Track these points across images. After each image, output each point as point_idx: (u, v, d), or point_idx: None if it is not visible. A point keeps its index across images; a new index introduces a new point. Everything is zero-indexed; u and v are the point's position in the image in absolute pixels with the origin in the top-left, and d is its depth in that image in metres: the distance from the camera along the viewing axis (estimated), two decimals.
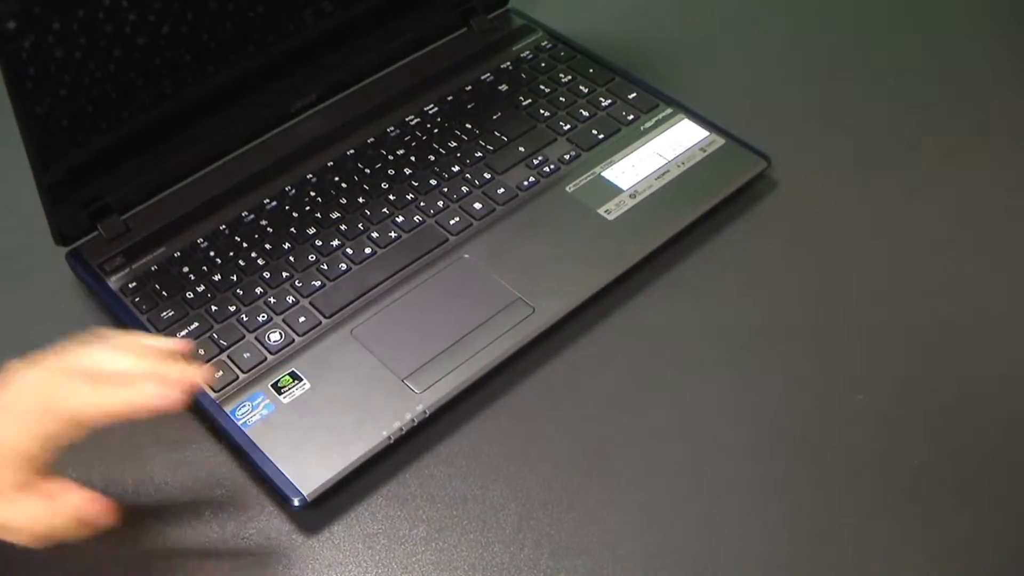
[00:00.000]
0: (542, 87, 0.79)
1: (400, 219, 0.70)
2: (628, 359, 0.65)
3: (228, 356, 0.63)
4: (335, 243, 0.69)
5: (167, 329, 0.64)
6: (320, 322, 0.65)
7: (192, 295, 0.66)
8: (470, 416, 0.62)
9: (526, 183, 0.72)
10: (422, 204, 0.71)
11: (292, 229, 0.69)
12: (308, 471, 0.58)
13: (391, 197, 0.71)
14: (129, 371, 0.52)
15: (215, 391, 0.61)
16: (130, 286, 0.66)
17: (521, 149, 0.75)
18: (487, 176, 0.73)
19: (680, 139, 0.75)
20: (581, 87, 0.79)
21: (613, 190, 0.72)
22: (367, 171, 0.73)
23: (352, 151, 0.74)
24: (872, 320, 0.67)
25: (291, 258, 0.68)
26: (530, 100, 0.78)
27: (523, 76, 0.80)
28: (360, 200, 0.71)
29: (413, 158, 0.74)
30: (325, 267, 0.67)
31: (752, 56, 0.85)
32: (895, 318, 0.67)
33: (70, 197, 0.67)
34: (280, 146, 0.75)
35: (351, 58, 0.79)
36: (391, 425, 0.60)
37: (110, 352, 0.53)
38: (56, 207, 0.66)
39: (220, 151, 0.74)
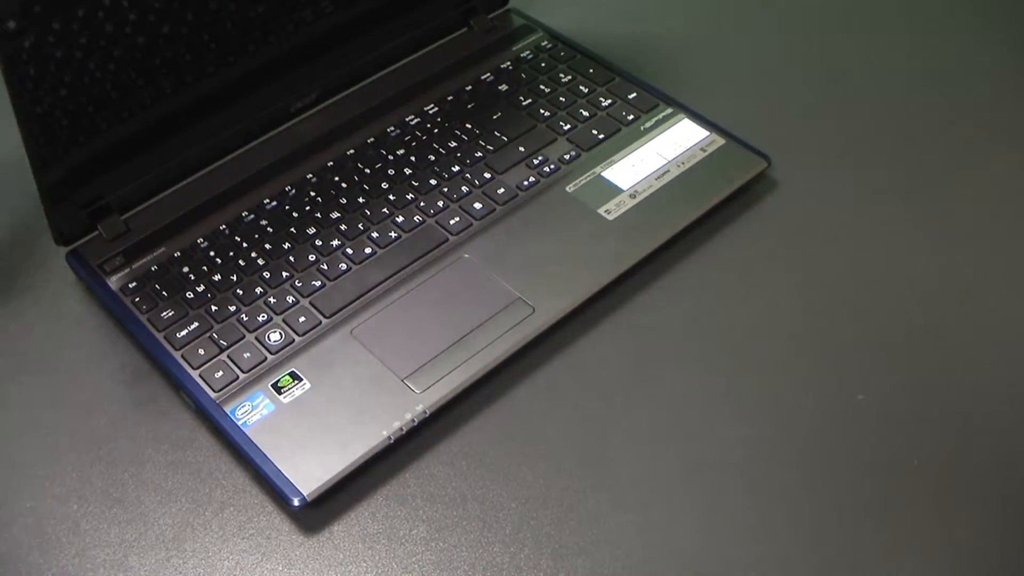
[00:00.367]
0: (542, 87, 0.79)
1: (400, 219, 0.70)
2: (628, 359, 0.65)
3: (228, 356, 0.63)
4: (335, 243, 0.69)
5: (167, 329, 0.64)
6: (320, 322, 0.65)
7: (192, 295, 0.66)
8: (470, 416, 0.62)
9: (526, 183, 0.72)
10: (422, 204, 0.71)
11: (292, 229, 0.69)
12: (308, 471, 0.58)
13: (391, 197, 0.71)
14: None
15: (215, 391, 0.61)
16: (130, 286, 0.66)
17: (521, 149, 0.75)
18: (487, 176, 0.73)
19: (680, 139, 0.75)
20: (581, 87, 0.79)
21: (613, 190, 0.72)
22: (367, 171, 0.73)
23: (352, 151, 0.74)
24: (872, 320, 0.67)
25: (291, 258, 0.68)
26: (530, 100, 0.78)
27: (523, 76, 0.80)
28: (360, 200, 0.71)
29: (413, 158, 0.74)
30: (325, 267, 0.67)
31: (752, 56, 0.85)
32: (895, 318, 0.67)
33: (70, 197, 0.67)
34: (280, 146, 0.75)
35: (351, 58, 0.79)
36: (391, 425, 0.60)
37: None
38: (56, 207, 0.66)
39: (220, 151, 0.74)
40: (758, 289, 0.69)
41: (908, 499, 0.59)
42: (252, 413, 0.60)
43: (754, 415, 0.63)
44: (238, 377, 0.62)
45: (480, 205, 0.71)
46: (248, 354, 0.63)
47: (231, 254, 0.68)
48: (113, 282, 0.67)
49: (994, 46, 0.86)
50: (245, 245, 0.68)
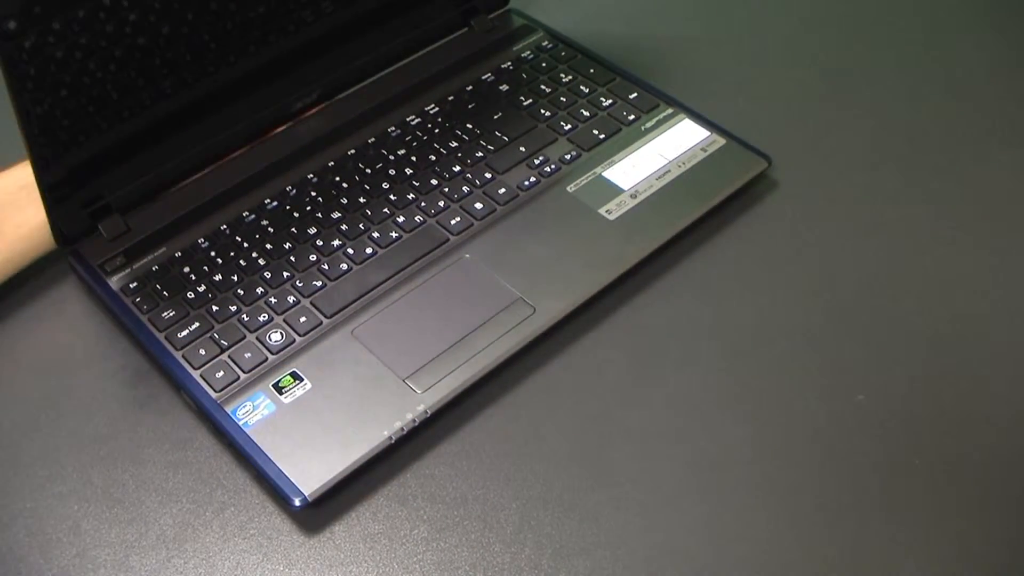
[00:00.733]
0: (543, 87, 0.79)
1: (401, 219, 0.70)
2: (629, 359, 0.65)
3: (229, 356, 0.63)
4: (336, 243, 0.69)
5: (168, 329, 0.64)
6: (321, 322, 0.65)
7: (193, 295, 0.66)
8: (471, 416, 0.62)
9: (527, 183, 0.72)
10: (423, 204, 0.71)
11: (293, 229, 0.69)
12: (309, 471, 0.58)
13: (392, 197, 0.71)
14: None
15: (216, 391, 0.61)
16: (131, 286, 0.66)
17: (522, 149, 0.75)
18: (488, 176, 0.73)
19: (681, 139, 0.75)
20: (582, 87, 0.79)
21: (614, 190, 0.72)
22: (368, 171, 0.73)
23: (353, 151, 0.74)
24: (872, 320, 0.67)
25: (292, 258, 0.68)
26: (531, 100, 0.78)
27: (524, 76, 0.80)
28: (361, 200, 0.71)
29: (414, 158, 0.74)
30: (326, 267, 0.67)
31: (753, 56, 0.85)
32: (895, 318, 0.67)
33: (71, 197, 0.67)
34: (281, 146, 0.75)
35: (352, 58, 0.79)
36: (392, 425, 0.60)
37: None
38: (57, 207, 0.66)
39: (221, 151, 0.74)
40: (758, 289, 0.69)
41: (908, 499, 0.59)
42: (253, 413, 0.60)
43: (754, 415, 0.63)
44: (239, 377, 0.62)
45: (481, 205, 0.71)
46: (249, 354, 0.63)
47: (232, 254, 0.68)
48: (114, 282, 0.67)
49: (996, 46, 0.86)
50: (246, 245, 0.68)
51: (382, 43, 0.80)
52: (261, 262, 0.68)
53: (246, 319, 0.64)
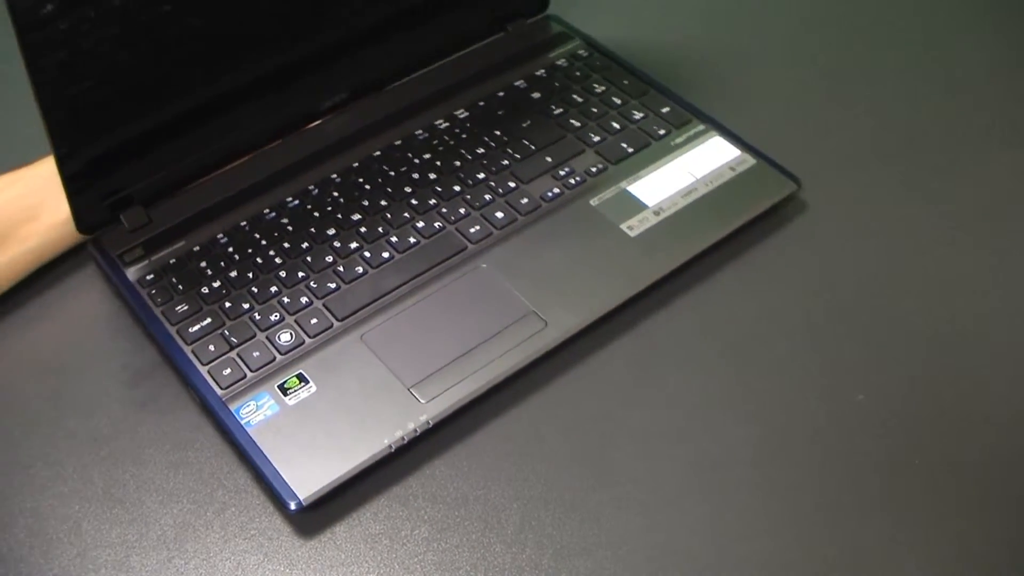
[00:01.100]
0: (575, 96, 0.78)
1: (420, 224, 0.70)
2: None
3: (238, 354, 0.63)
4: (353, 245, 0.68)
5: (180, 324, 0.64)
6: (332, 324, 0.64)
7: (207, 290, 0.66)
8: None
9: (550, 194, 0.72)
10: (444, 210, 0.71)
11: (312, 229, 0.69)
12: (306, 475, 0.58)
13: (413, 201, 0.71)
14: None
15: (222, 388, 0.61)
16: (147, 278, 0.67)
17: (548, 159, 0.74)
18: (511, 185, 0.72)
19: (710, 157, 0.74)
20: (614, 98, 0.78)
21: (637, 206, 0.71)
22: (391, 174, 0.73)
23: (378, 152, 0.74)
24: (872, 320, 0.67)
25: (308, 258, 0.68)
26: (561, 109, 0.77)
27: (556, 84, 0.79)
28: (382, 203, 0.71)
29: (439, 163, 0.74)
30: (341, 269, 0.67)
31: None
32: (895, 318, 0.67)
33: (93, 186, 0.67)
34: (306, 144, 0.75)
35: (385, 58, 0.78)
36: (393, 434, 0.59)
37: None
38: (79, 196, 0.66)
39: (247, 146, 0.74)
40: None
41: (908, 499, 0.59)
42: (256, 413, 0.60)
43: (755, 415, 0.63)
44: (245, 376, 0.62)
45: (502, 214, 0.70)
46: (257, 353, 0.63)
47: (249, 251, 0.68)
48: (131, 273, 0.67)
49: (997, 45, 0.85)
50: (264, 243, 0.69)
51: (416, 45, 0.79)
52: (278, 261, 0.68)
53: (258, 317, 0.65)
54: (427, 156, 0.74)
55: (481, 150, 0.74)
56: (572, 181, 0.72)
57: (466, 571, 0.56)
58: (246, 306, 0.65)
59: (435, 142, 0.75)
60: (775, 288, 0.69)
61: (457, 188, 0.72)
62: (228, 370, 0.62)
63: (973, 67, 0.84)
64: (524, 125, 0.76)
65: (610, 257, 0.68)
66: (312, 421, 0.60)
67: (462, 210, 0.71)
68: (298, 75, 0.74)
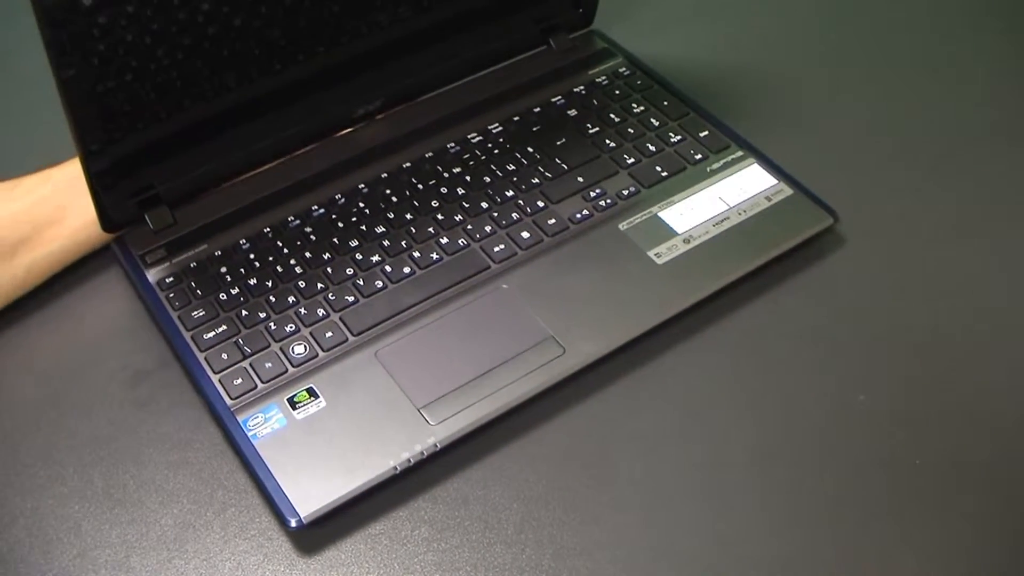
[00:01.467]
0: (612, 115, 0.77)
1: (444, 240, 0.69)
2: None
3: (250, 364, 0.62)
4: (375, 258, 0.68)
5: (195, 329, 0.64)
6: (347, 339, 0.64)
7: (225, 296, 0.65)
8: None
9: (579, 216, 0.70)
10: (469, 227, 0.69)
11: (335, 239, 0.69)
12: (309, 493, 0.57)
13: (439, 217, 0.70)
14: None
15: (232, 398, 0.61)
16: (167, 280, 0.66)
17: (580, 179, 0.72)
18: (540, 204, 0.71)
19: (746, 185, 0.72)
20: (652, 119, 0.77)
21: (667, 232, 0.69)
22: (420, 187, 0.72)
23: (408, 164, 0.73)
24: (872, 320, 0.66)
25: (329, 269, 0.67)
26: (597, 128, 0.76)
27: (595, 102, 0.78)
28: (408, 216, 0.70)
29: (468, 178, 0.72)
30: (361, 283, 0.66)
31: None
32: (895, 318, 0.67)
33: (121, 184, 0.67)
34: (336, 152, 0.74)
35: (422, 68, 0.77)
36: (399, 456, 0.58)
37: None
38: (106, 193, 0.66)
39: (276, 151, 0.73)
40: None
41: (909, 499, 0.59)
42: (263, 426, 0.60)
43: (754, 414, 0.62)
44: (256, 387, 0.61)
45: (528, 234, 0.69)
46: (270, 364, 0.62)
47: (270, 259, 0.67)
48: (152, 274, 0.67)
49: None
50: (285, 251, 0.68)
51: (455, 55, 0.78)
52: (298, 270, 0.67)
53: (273, 328, 0.64)
54: (457, 170, 0.73)
55: (512, 167, 0.73)
56: (602, 203, 0.71)
57: (466, 571, 0.56)
58: (262, 315, 0.65)
59: (466, 156, 0.74)
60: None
61: (485, 205, 0.71)
62: (239, 380, 0.62)
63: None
64: (558, 143, 0.75)
65: (635, 285, 0.67)
66: (319, 437, 0.59)
67: (488, 228, 0.69)
68: (332, 81, 0.73)
